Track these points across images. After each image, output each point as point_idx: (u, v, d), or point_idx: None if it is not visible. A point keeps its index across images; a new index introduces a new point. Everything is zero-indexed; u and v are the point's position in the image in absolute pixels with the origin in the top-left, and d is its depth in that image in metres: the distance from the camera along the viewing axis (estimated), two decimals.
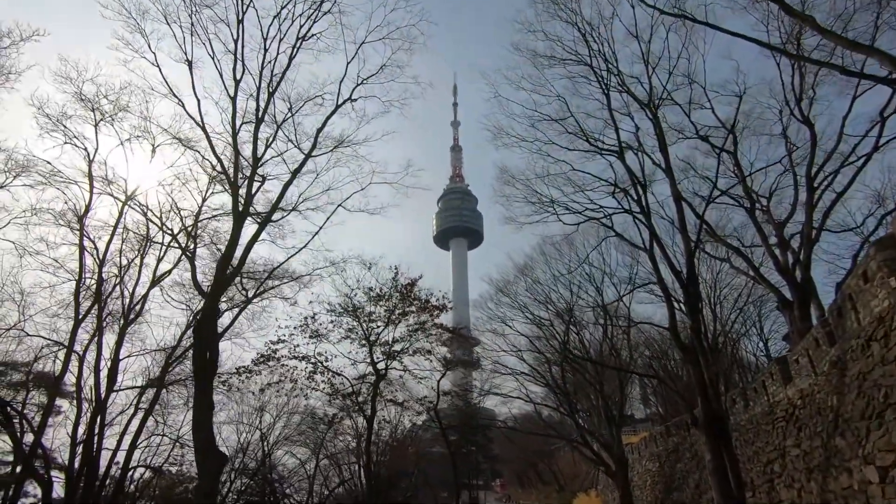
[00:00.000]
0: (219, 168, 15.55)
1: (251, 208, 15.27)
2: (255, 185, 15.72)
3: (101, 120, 17.25)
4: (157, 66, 15.39)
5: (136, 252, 19.42)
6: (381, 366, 23.93)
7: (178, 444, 21.45)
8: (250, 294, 19.47)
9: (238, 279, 17.91)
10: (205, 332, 13.50)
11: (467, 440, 48.49)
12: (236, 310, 20.01)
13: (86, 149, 17.81)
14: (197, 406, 12.99)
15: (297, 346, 22.21)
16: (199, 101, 15.40)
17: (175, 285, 20.62)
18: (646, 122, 16.67)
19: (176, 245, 18.74)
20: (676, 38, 16.97)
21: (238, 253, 14.88)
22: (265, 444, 27.58)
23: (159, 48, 16.04)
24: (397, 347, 23.01)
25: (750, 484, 17.02)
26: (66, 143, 17.17)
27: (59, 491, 17.79)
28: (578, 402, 36.65)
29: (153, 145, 17.24)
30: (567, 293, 28.89)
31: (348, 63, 17.21)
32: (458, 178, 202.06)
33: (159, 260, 20.02)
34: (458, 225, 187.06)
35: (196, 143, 16.86)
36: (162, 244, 19.16)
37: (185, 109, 15.75)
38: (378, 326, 22.92)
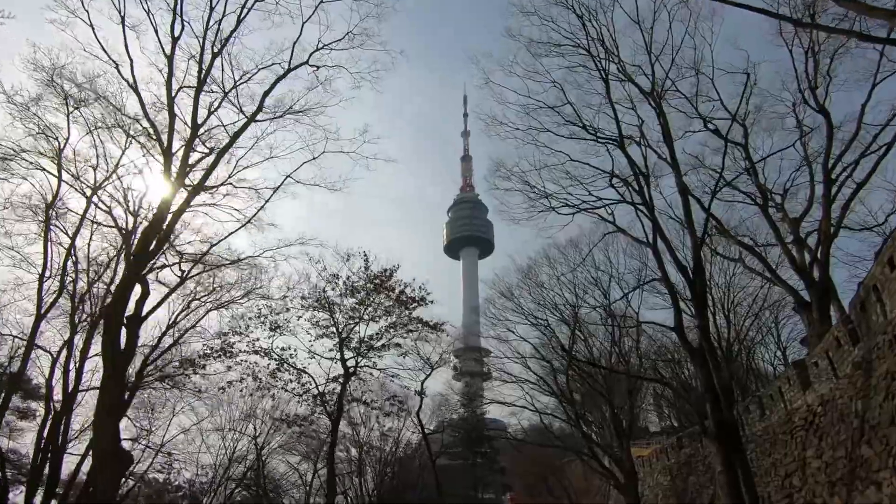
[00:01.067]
0: (152, 133, 14.33)
1: (187, 179, 13.94)
2: (197, 155, 14.47)
3: (76, 108, 16.68)
4: (91, 24, 14.11)
5: (114, 247, 18.68)
6: (350, 363, 22.09)
7: (161, 451, 20.63)
8: (188, 272, 17.88)
9: (179, 260, 16.73)
10: (117, 311, 11.76)
11: (473, 452, 47.08)
12: (197, 305, 18.90)
13: (56, 138, 17.21)
14: (103, 396, 11.37)
15: (258, 339, 20.44)
16: (132, 61, 14.18)
17: (155, 283, 19.60)
18: (649, 114, 15.78)
19: (112, 223, 17.78)
20: (681, 25, 16.02)
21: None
22: (259, 451, 26.75)
23: (92, 6, 14.27)
24: (375, 344, 21.32)
25: (767, 499, 15.70)
26: (38, 132, 16.61)
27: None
28: (588, 413, 35.25)
29: (127, 133, 16.49)
30: (572, 297, 27.84)
31: (304, 22, 15.64)
32: (468, 188, 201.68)
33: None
34: (469, 234, 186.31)
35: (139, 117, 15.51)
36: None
37: (119, 71, 14.54)
38: (351, 321, 21.14)
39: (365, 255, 20.49)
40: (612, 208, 16.65)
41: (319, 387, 21.41)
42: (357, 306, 20.62)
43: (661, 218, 15.79)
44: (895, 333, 8.54)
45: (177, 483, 24.50)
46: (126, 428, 18.15)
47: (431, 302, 20.53)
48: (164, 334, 17.78)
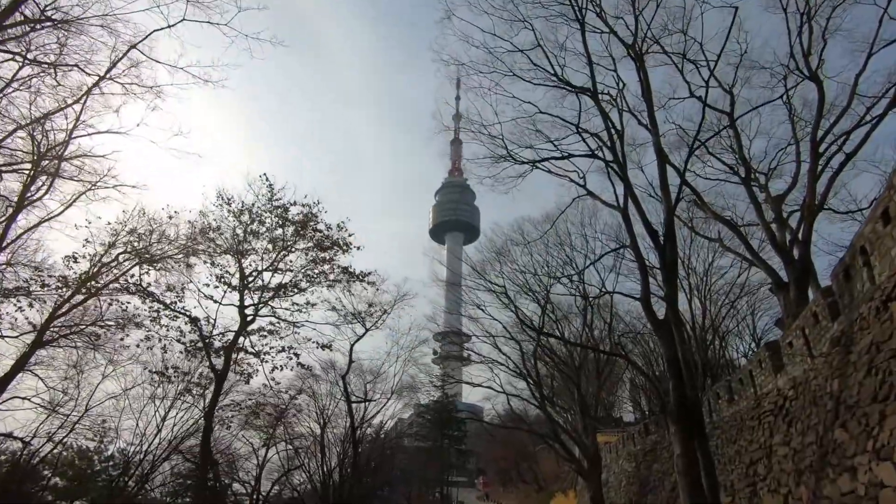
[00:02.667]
0: None
1: None
2: None
3: None
4: None
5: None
6: (249, 311, 18.45)
7: (86, 415, 18.92)
8: None
9: None
10: None
11: (442, 434, 46.23)
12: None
13: None
14: None
15: (133, 276, 16.55)
16: None
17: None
18: (629, 77, 14.33)
19: None
20: None
21: None
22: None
23: None
24: (288, 293, 17.97)
25: (729, 488, 14.74)
26: None
27: None
28: (559, 400, 34.35)
29: None
30: (545, 277, 26.61)
31: None
32: (456, 172, 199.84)
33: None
34: (455, 219, 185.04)
35: None
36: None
37: None
38: (257, 262, 17.74)
39: (268, 181, 17.09)
40: (583, 172, 15.29)
41: (216, 338, 18.03)
42: (270, 246, 17.55)
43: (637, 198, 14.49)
44: (884, 299, 7.30)
45: (109, 453, 22.89)
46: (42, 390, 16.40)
47: (358, 248, 17.14)
48: (82, 284, 15.55)
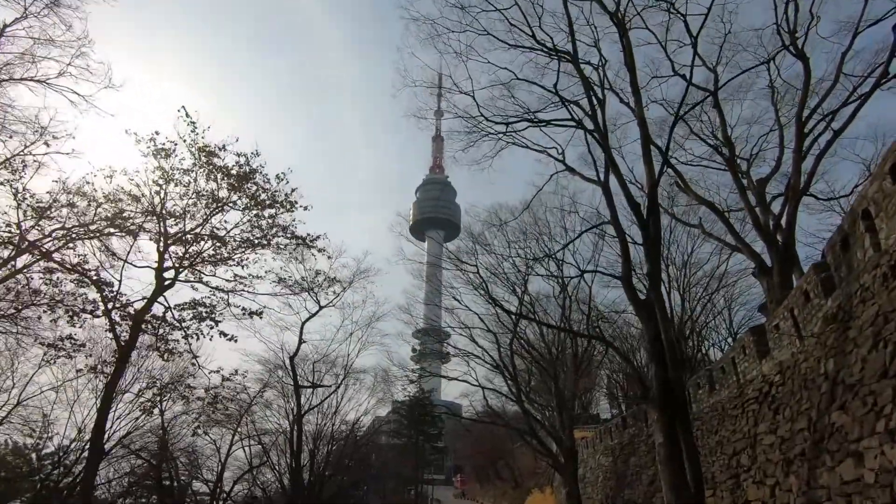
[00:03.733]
0: None
1: None
2: None
3: None
4: None
5: None
6: (169, 275, 14.89)
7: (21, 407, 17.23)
8: None
9: None
10: None
11: (418, 431, 45.12)
12: None
13: None
14: None
15: (65, 250, 13.28)
16: None
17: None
18: (610, 51, 13.46)
19: None
20: None
21: None
22: (163, 418, 23.65)
23: None
24: (223, 254, 14.45)
25: (710, 480, 14.03)
26: None
27: None
28: (537, 397, 33.60)
29: None
30: (522, 266, 25.74)
31: None
32: (437, 169, 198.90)
33: None
34: (435, 216, 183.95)
35: None
36: None
37: None
38: (183, 219, 14.22)
39: (190, 118, 13.56)
40: (562, 147, 14.40)
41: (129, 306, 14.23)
42: (195, 202, 14.02)
43: (618, 169, 13.62)
44: (892, 264, 6.50)
45: (50, 449, 21.10)
46: None
47: (305, 208, 13.76)
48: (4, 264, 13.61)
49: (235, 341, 14.95)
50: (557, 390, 25.18)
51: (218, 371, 15.11)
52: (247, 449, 32.55)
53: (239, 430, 28.70)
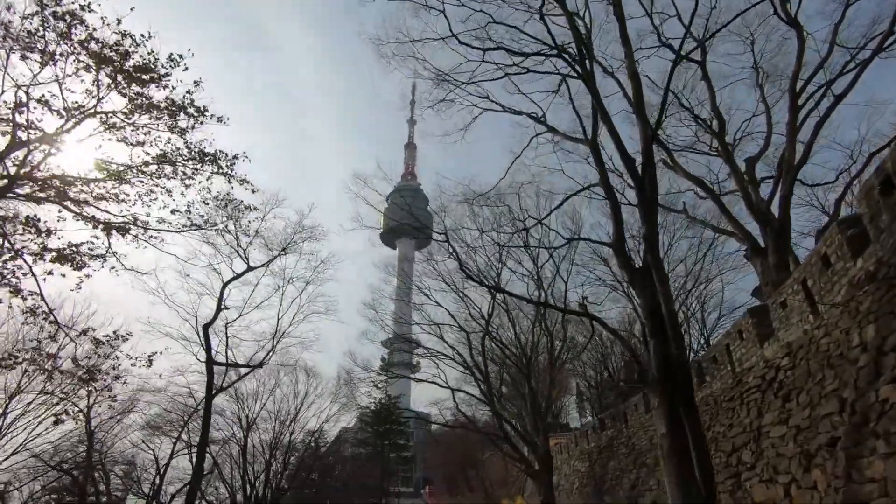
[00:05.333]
0: None
1: None
2: None
3: None
4: None
5: None
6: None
7: None
8: None
9: None
10: None
11: (383, 438, 42.71)
12: None
13: None
14: None
15: None
16: None
17: None
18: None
19: None
20: None
21: None
22: (87, 425, 20.80)
23: None
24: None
25: None
26: None
27: None
28: (509, 405, 31.94)
29: None
30: (497, 262, 24.18)
31: None
32: (409, 177, 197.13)
33: None
34: (406, 223, 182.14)
35: None
36: None
37: None
38: None
39: None
40: (543, 110, 12.87)
41: None
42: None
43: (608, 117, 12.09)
44: None
45: None
46: None
47: (221, 119, 9.81)
48: None
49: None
50: (531, 392, 23.54)
51: (86, 332, 10.89)
52: (194, 460, 29.67)
53: (182, 438, 25.88)
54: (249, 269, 21.87)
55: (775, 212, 14.51)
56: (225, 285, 21.08)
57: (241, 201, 11.63)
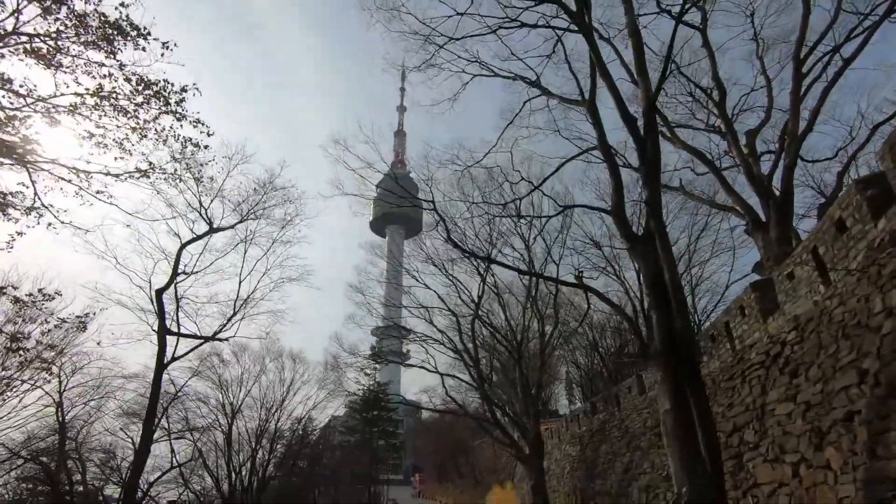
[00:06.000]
0: None
1: None
2: None
3: None
4: None
5: None
6: None
7: None
8: None
9: None
10: None
11: (372, 425, 42.17)
12: None
13: None
14: None
15: None
16: None
17: None
18: None
19: None
20: None
21: None
22: (60, 412, 19.89)
23: None
24: None
25: None
26: None
27: None
28: (500, 391, 31.48)
29: None
30: (487, 244, 23.51)
31: None
32: (399, 165, 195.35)
33: None
34: (395, 212, 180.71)
35: None
36: None
37: None
38: None
39: None
40: (537, 73, 12.07)
41: None
42: None
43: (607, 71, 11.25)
44: None
45: None
46: None
47: (166, 46, 7.93)
48: None
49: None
50: (522, 375, 23.02)
51: (3, 291, 9.67)
52: (177, 448, 28.82)
53: (162, 425, 25.00)
54: (211, 230, 19.52)
55: (776, 189, 13.96)
56: (183, 247, 18.90)
57: (191, 139, 9.63)
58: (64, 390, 19.83)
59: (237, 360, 34.34)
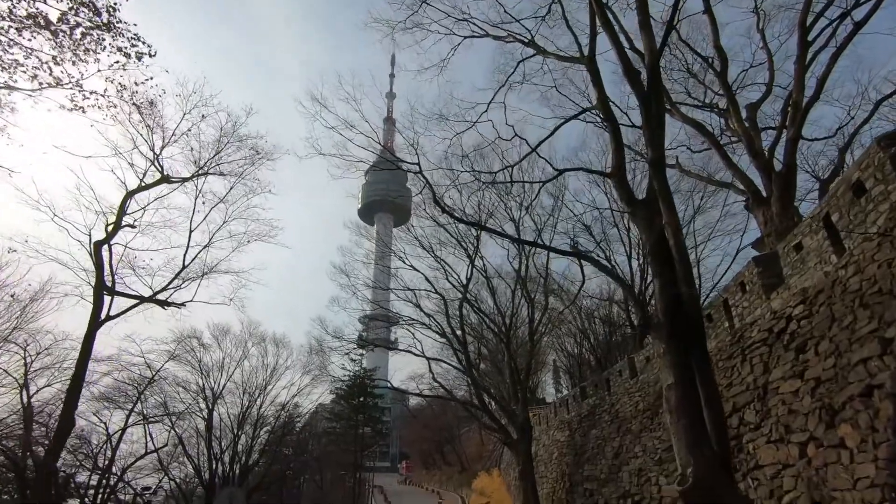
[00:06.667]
0: None
1: None
2: None
3: None
4: None
5: None
6: None
7: None
8: None
9: None
10: None
11: (357, 411, 41.56)
12: None
13: None
14: None
15: None
16: None
17: None
18: None
19: None
20: None
21: None
22: (24, 394, 18.89)
23: None
24: None
25: None
26: None
27: None
28: (487, 379, 30.98)
29: None
30: (475, 215, 22.76)
31: None
32: (388, 152, 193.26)
33: None
34: (384, 199, 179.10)
35: None
36: None
37: None
38: None
39: None
40: (532, 33, 11.29)
41: None
42: None
43: (608, 20, 10.55)
44: None
45: None
46: None
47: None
48: None
49: None
50: (511, 358, 22.47)
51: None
52: (156, 434, 27.92)
53: (138, 410, 24.11)
54: (163, 178, 17.12)
55: (777, 160, 13.39)
56: (129, 195, 16.68)
57: (123, 48, 7.85)
58: (29, 371, 18.84)
59: (218, 344, 33.43)
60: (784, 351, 9.20)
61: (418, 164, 9.71)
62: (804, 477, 7.70)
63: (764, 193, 13.09)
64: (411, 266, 24.53)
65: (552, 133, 9.66)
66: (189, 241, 18.46)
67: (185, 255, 18.34)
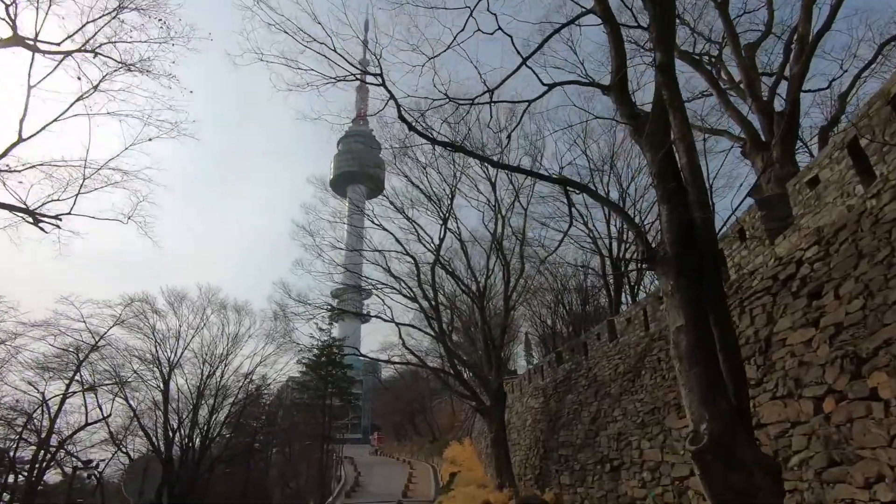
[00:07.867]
0: None
1: None
2: None
3: None
4: None
5: None
6: None
7: None
8: None
9: None
10: None
11: (324, 381, 40.29)
12: None
13: None
14: None
15: None
16: None
17: None
18: None
19: None
20: None
21: None
22: None
23: None
24: None
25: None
26: None
27: None
28: (461, 351, 30.00)
29: None
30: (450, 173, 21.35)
31: None
32: (362, 121, 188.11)
33: None
34: (357, 170, 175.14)
35: None
36: None
37: None
38: None
39: None
40: None
41: None
42: None
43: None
44: None
45: None
46: None
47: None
48: None
49: None
50: (485, 322, 21.43)
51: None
52: (108, 406, 26.03)
53: (80, 378, 22.13)
54: (16, 37, 11.87)
55: (781, 95, 12.32)
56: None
57: None
58: None
59: (174, 310, 31.41)
60: (793, 298, 8.21)
61: (381, 74, 8.11)
62: (820, 435, 6.77)
63: (763, 138, 12.06)
64: (380, 226, 23.00)
65: (547, 39, 8.13)
66: (27, 103, 12.08)
67: (20, 123, 11.91)
